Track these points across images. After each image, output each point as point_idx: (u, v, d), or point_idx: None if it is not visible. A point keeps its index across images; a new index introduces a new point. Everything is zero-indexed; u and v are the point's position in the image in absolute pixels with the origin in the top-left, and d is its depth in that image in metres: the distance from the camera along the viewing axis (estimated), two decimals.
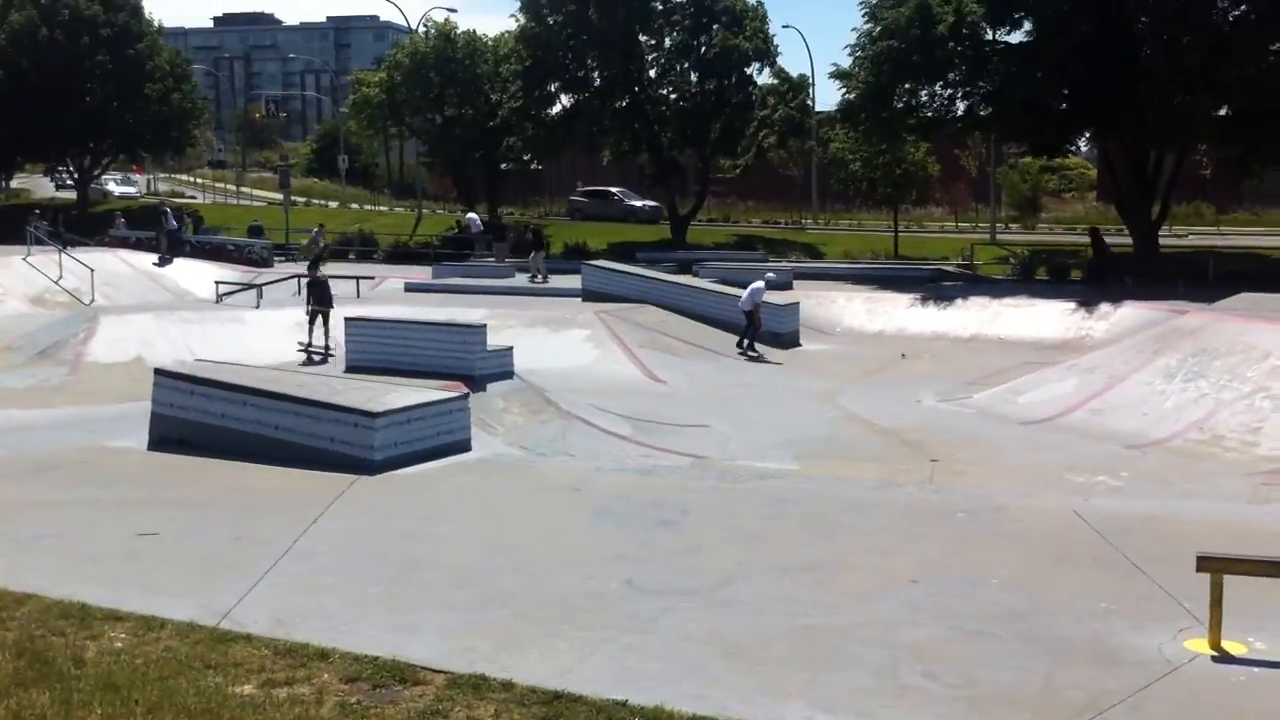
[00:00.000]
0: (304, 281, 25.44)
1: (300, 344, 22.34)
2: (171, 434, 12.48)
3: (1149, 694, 5.86)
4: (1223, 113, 34.32)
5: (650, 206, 56.23)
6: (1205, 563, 6.66)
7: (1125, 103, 32.82)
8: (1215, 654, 6.37)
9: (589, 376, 21.06)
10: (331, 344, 21.83)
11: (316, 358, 22.08)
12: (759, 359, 25.16)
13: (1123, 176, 37.01)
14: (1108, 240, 36.74)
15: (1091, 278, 34.69)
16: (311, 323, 22.73)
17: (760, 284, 26.41)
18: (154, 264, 38.18)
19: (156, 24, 65.44)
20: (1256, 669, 6.19)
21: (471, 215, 51.45)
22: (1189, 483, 13.73)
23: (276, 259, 45.75)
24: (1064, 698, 5.83)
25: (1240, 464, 14.76)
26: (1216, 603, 6.47)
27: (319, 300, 22.92)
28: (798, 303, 29.08)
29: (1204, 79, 31.06)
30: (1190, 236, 46.25)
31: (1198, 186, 48.21)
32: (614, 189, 58.95)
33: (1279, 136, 32.83)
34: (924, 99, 38.41)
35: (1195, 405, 17.10)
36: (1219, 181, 45.79)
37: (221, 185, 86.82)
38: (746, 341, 25.63)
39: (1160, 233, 37.68)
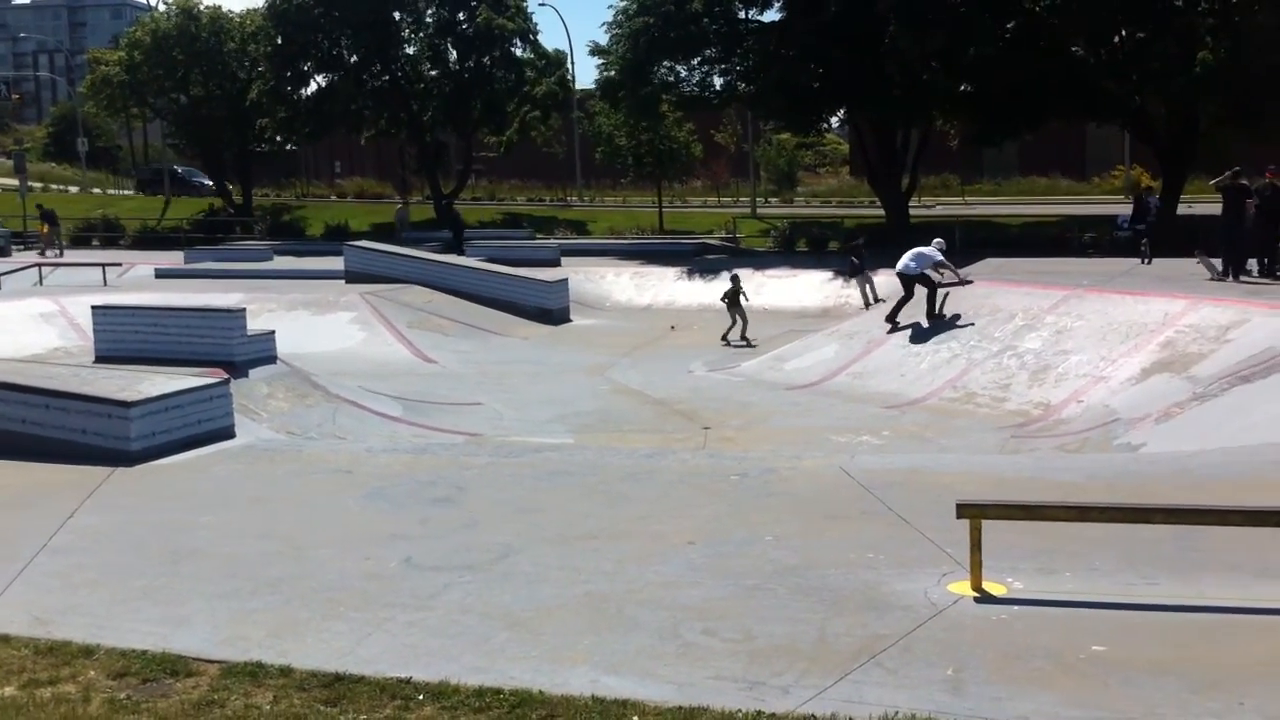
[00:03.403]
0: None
1: None
2: None
3: (917, 636, 6.11)
4: (964, 89, 35.99)
5: None
6: (963, 510, 6.97)
7: (874, 81, 34.04)
8: (977, 595, 6.68)
9: (357, 359, 20.65)
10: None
11: None
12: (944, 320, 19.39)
13: (873, 151, 38.46)
14: (862, 211, 37.96)
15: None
16: None
17: (931, 249, 20.48)
18: None
19: None
20: (1016, 607, 6.52)
21: None
22: (945, 438, 14.41)
23: (15, 248, 43.44)
24: (838, 645, 6.02)
25: (991, 419, 15.60)
26: (976, 547, 6.78)
27: None
28: (566, 279, 29.18)
29: (945, 59, 32.54)
30: (938, 207, 48.40)
31: (944, 159, 50.48)
32: None
33: (1015, 112, 34.72)
34: (682, 75, 38.99)
35: (948, 365, 17.94)
36: (964, 154, 48.10)
37: None
38: (935, 308, 19.62)
39: (910, 204, 39.28)
